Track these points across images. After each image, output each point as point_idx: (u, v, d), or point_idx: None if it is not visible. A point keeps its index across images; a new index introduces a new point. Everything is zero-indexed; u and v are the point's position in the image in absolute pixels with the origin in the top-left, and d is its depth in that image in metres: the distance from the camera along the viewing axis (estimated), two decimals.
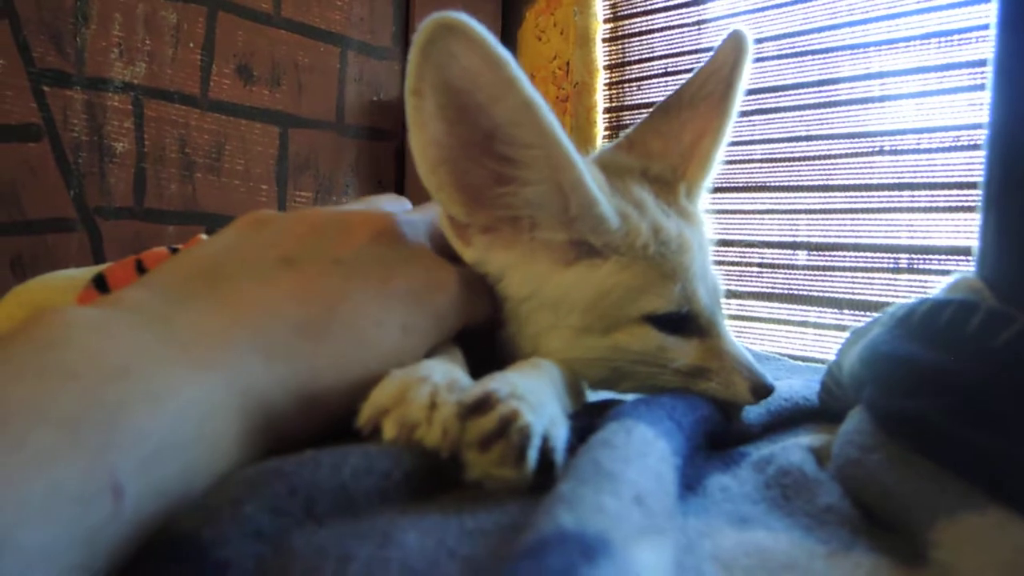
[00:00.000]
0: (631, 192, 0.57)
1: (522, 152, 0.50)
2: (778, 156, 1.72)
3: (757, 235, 1.74)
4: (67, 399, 0.31)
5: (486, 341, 0.56)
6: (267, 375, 0.40)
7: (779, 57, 1.72)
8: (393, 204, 0.61)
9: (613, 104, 2.06)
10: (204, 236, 0.71)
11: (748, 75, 0.64)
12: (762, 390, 0.56)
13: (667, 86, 1.92)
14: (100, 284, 0.68)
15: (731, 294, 1.73)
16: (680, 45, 1.91)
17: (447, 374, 0.44)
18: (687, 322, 0.56)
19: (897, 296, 1.52)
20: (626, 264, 0.54)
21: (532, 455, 0.37)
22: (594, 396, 0.58)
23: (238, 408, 0.38)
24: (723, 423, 0.54)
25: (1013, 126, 0.46)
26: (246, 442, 0.39)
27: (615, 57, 2.06)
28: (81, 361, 0.33)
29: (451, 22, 0.44)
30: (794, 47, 1.70)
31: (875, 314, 0.59)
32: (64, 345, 0.34)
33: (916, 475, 0.39)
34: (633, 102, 2.01)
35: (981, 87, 1.43)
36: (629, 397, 0.57)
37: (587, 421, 0.45)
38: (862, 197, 1.59)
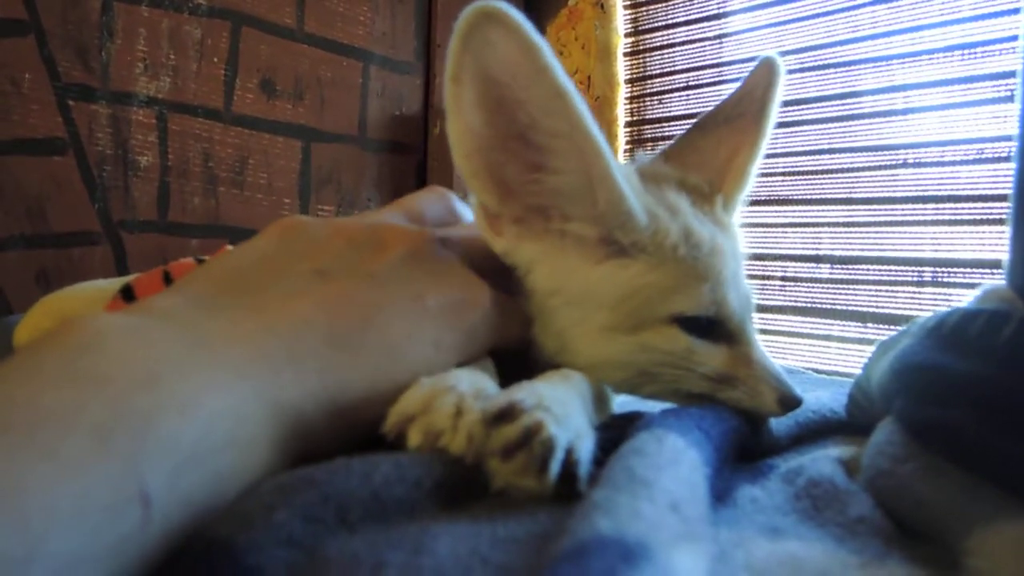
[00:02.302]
0: (666, 196, 0.57)
1: (553, 141, 0.50)
2: (801, 169, 1.71)
3: (780, 248, 1.74)
4: (98, 406, 0.31)
5: (519, 354, 0.56)
6: (297, 385, 0.40)
7: (801, 70, 1.72)
8: (434, 202, 0.61)
9: (634, 118, 2.06)
10: (229, 247, 0.71)
11: (781, 96, 0.65)
12: (789, 402, 0.55)
13: (688, 99, 1.92)
14: (128, 295, 0.68)
15: (755, 307, 1.73)
16: (701, 59, 1.91)
17: (474, 383, 0.44)
18: (716, 327, 0.55)
19: (921, 309, 1.51)
20: (655, 264, 0.53)
21: (554, 467, 0.37)
22: (619, 408, 0.58)
23: (267, 417, 0.38)
24: (751, 435, 0.54)
25: None
26: (274, 451, 0.39)
27: (636, 71, 2.06)
28: (113, 367, 0.34)
29: (490, 9, 0.45)
30: (816, 60, 1.70)
31: (900, 327, 0.59)
32: (96, 351, 0.34)
33: (950, 485, 0.39)
34: (654, 116, 2.01)
35: (1004, 99, 1.42)
36: (653, 405, 0.56)
37: (615, 432, 0.44)
38: (885, 210, 1.59)
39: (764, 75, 0.65)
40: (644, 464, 0.35)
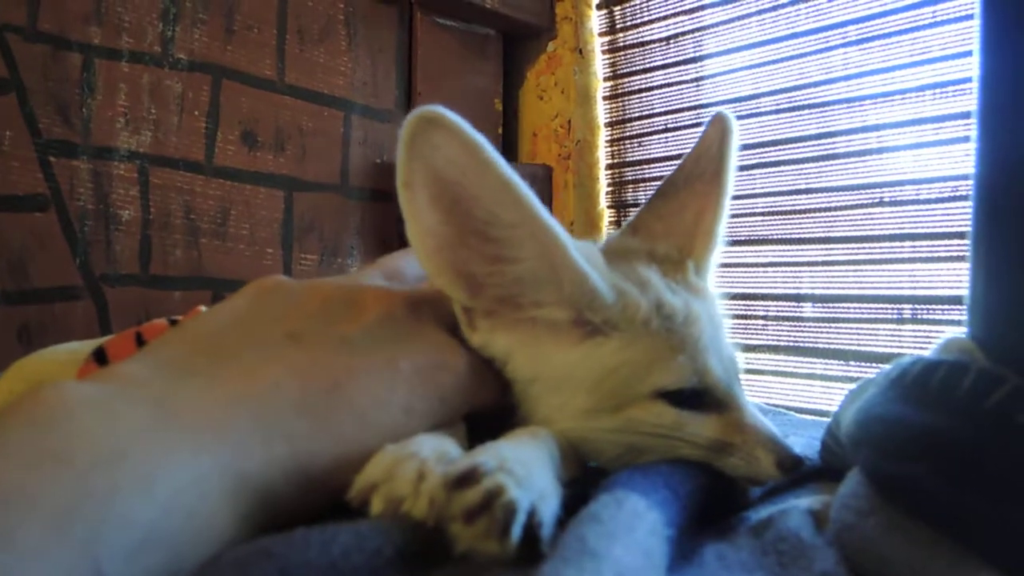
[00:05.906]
0: (636, 271, 0.57)
1: (509, 231, 0.50)
2: (779, 209, 1.72)
3: (761, 288, 1.75)
4: (58, 488, 0.31)
5: (501, 416, 0.55)
6: (265, 456, 0.40)
7: (777, 112, 1.74)
8: (413, 261, 0.60)
9: (615, 160, 2.08)
10: (203, 308, 0.71)
11: (736, 152, 0.65)
12: (788, 463, 0.54)
13: (667, 142, 1.94)
14: (100, 357, 0.68)
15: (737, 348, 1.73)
16: (679, 102, 1.92)
17: (437, 447, 0.44)
18: (702, 396, 0.55)
19: (902, 346, 1.52)
20: (630, 340, 0.53)
21: (516, 530, 0.37)
22: None
23: (231, 491, 0.38)
24: (726, 493, 0.54)
25: (997, 179, 0.47)
26: (237, 523, 0.38)
27: (616, 114, 2.08)
28: (75, 445, 0.34)
29: (430, 115, 0.46)
30: (791, 101, 1.72)
31: (882, 364, 0.59)
32: (59, 427, 0.34)
33: (910, 540, 0.39)
34: (634, 158, 2.03)
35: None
36: None
37: (581, 490, 0.44)
38: (864, 248, 1.59)
39: (717, 133, 0.65)
40: (597, 533, 0.35)
